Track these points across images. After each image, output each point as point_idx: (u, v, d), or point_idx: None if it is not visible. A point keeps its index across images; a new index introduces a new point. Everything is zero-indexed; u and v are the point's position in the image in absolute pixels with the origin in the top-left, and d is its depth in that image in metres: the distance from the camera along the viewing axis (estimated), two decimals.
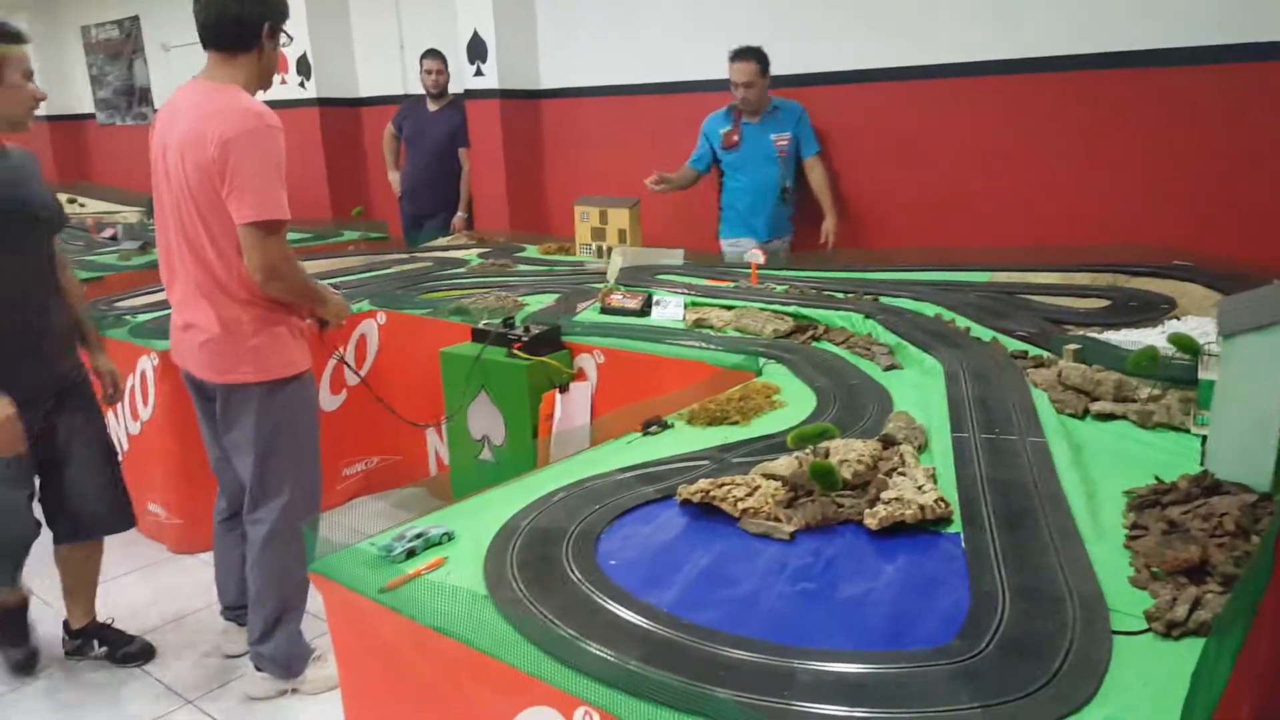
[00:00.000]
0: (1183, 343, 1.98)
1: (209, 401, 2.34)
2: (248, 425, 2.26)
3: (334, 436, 3.26)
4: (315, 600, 2.45)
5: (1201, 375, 1.71)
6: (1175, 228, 3.44)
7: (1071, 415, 1.98)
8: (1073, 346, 2.28)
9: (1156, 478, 1.58)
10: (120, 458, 2.63)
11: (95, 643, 2.62)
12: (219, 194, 2.07)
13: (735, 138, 4.21)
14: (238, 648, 2.61)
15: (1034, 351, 2.41)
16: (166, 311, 2.49)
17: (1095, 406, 1.99)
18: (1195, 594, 1.18)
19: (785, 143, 4.18)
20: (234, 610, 2.62)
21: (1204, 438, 1.61)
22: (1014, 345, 2.48)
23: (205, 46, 2.17)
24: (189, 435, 2.74)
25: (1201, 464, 1.60)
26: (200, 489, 2.90)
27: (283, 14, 2.20)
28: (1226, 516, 1.36)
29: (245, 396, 2.24)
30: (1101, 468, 1.70)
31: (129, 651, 2.62)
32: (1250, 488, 1.48)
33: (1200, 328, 2.37)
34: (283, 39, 2.23)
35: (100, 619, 2.66)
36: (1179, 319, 2.55)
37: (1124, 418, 1.95)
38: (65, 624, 2.64)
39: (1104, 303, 2.81)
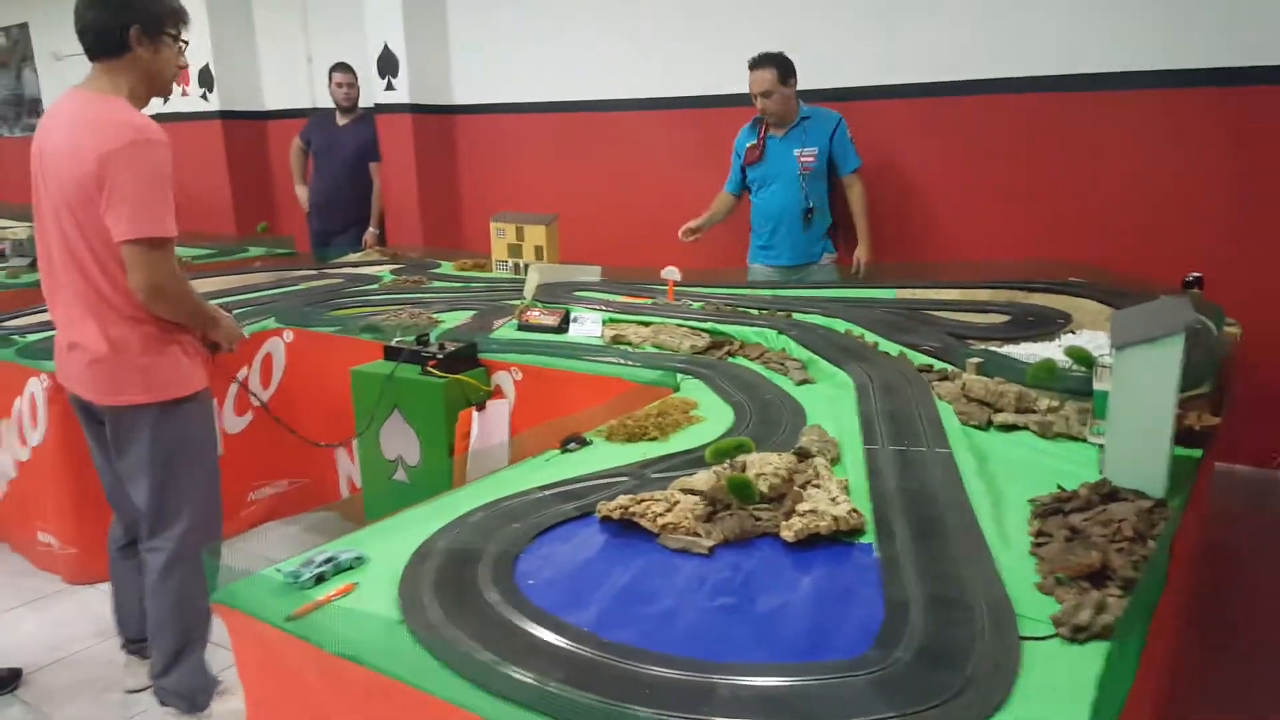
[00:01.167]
0: (1078, 355, 2.07)
1: (99, 424, 2.22)
2: (140, 449, 2.15)
3: (239, 460, 3.15)
4: (221, 630, 2.34)
5: (1096, 386, 1.79)
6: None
7: (976, 426, 2.04)
8: (975, 360, 2.36)
9: (1059, 486, 1.64)
10: None
11: None
12: (98, 209, 1.98)
13: (757, 152, 3.94)
14: (139, 682, 2.47)
15: (939, 365, 2.49)
16: (54, 331, 2.35)
17: (998, 418, 2.06)
18: (1098, 598, 1.22)
19: (810, 159, 3.86)
20: (135, 644, 2.49)
21: (1101, 446, 1.68)
22: (920, 359, 2.55)
23: (88, 58, 2.08)
24: (81, 460, 2.60)
25: (1100, 472, 1.67)
26: (95, 516, 2.74)
27: (156, 16, 2.08)
28: (1125, 523, 1.42)
29: (136, 418, 2.14)
30: (1006, 477, 1.75)
31: None
32: (1146, 494, 1.56)
33: (1094, 341, 2.49)
34: (172, 44, 2.12)
35: None
36: (1074, 333, 2.67)
37: (1025, 428, 2.02)
38: None
39: (1004, 318, 2.92)
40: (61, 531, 3.09)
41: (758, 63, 3.81)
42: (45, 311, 3.50)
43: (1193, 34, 3.47)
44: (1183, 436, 1.68)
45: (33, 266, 4.74)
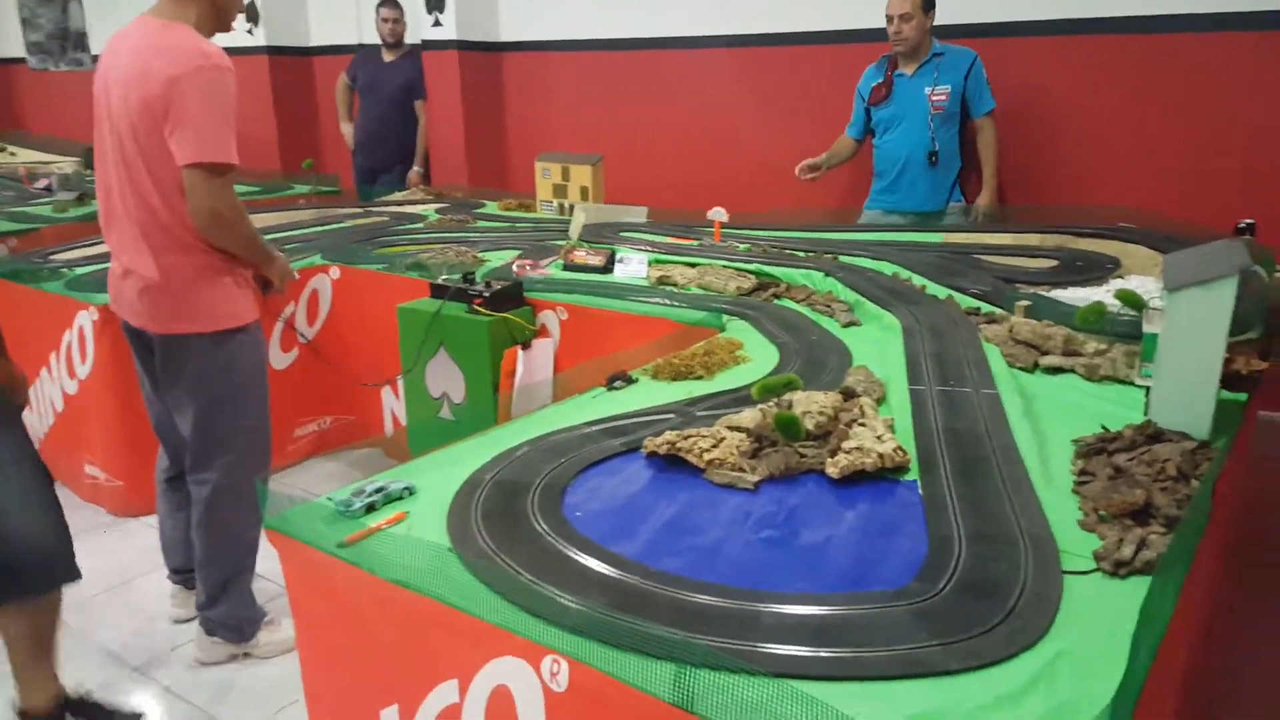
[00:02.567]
0: (1128, 298, 2.04)
1: (150, 353, 2.25)
2: (189, 379, 2.18)
3: (285, 396, 3.20)
4: (265, 562, 2.40)
5: (1146, 329, 1.77)
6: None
7: (1022, 369, 2.03)
8: (1024, 303, 2.34)
9: (1103, 427, 1.63)
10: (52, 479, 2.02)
11: None
12: (163, 132, 1.99)
13: (884, 91, 3.66)
14: (186, 612, 2.54)
15: (986, 308, 2.46)
16: (105, 265, 2.37)
17: (1045, 360, 2.04)
18: (1140, 535, 1.23)
19: (943, 97, 3.57)
20: (181, 574, 2.55)
21: (1148, 389, 1.67)
22: (968, 302, 2.53)
23: None
24: (130, 393, 2.65)
25: (1145, 414, 1.65)
26: (142, 449, 2.80)
27: None
28: (1169, 462, 1.41)
29: (186, 348, 2.16)
30: (1051, 418, 1.75)
31: None
32: (1190, 435, 1.55)
33: (1143, 286, 2.44)
34: None
35: (74, 693, 2.03)
36: (1123, 278, 2.63)
37: (1072, 371, 2.01)
38: (21, 714, 1.97)
39: (1052, 263, 2.87)
40: (109, 464, 3.16)
41: None
42: (93, 244, 3.60)
43: None
44: (1229, 380, 1.66)
45: (80, 200, 4.84)
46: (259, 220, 4.12)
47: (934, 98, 3.62)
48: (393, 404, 3.39)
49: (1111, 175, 3.72)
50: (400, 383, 3.09)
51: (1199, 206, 3.37)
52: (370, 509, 1.42)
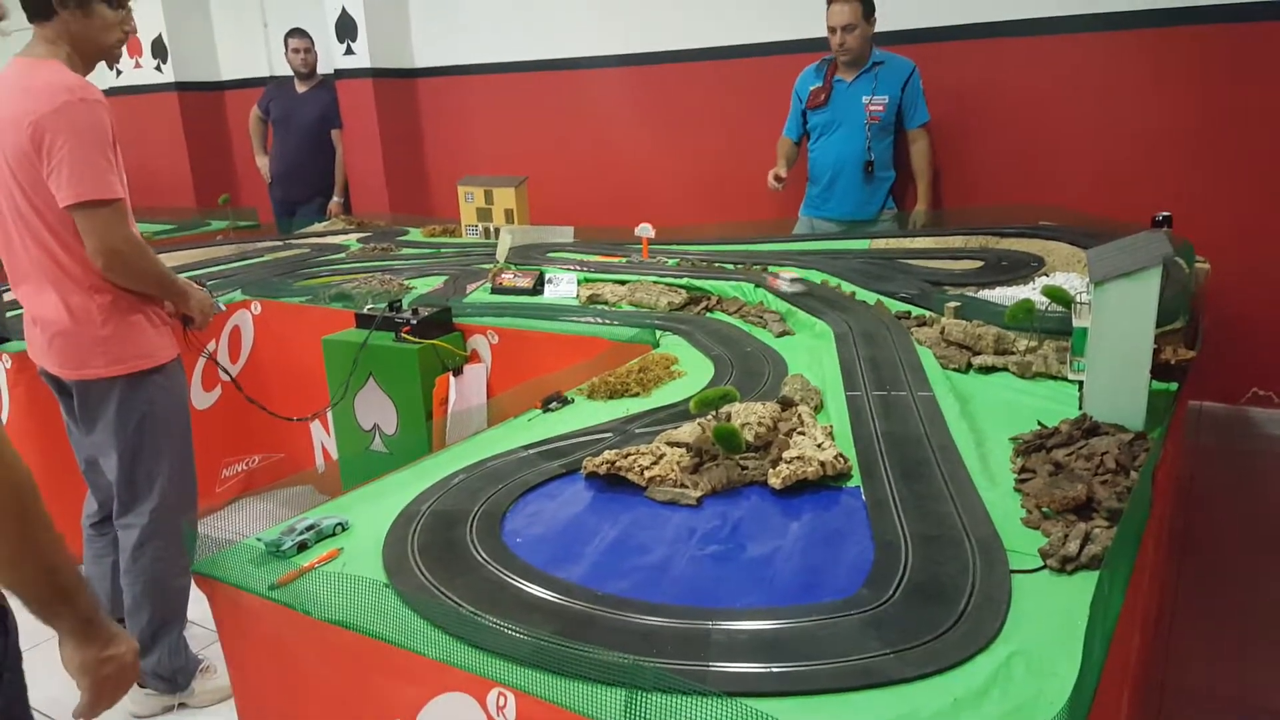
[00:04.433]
0: (1056, 294, 2.07)
1: (69, 398, 2.18)
2: (108, 423, 2.11)
3: (209, 436, 3.09)
4: (196, 607, 2.30)
5: (1075, 323, 1.79)
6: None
7: (955, 370, 2.05)
8: (953, 304, 2.36)
9: (1040, 423, 1.65)
10: None
11: None
12: (42, 176, 1.91)
13: (823, 96, 3.65)
14: None
15: (916, 311, 2.49)
16: (18, 311, 2.28)
17: (977, 360, 2.06)
18: (1085, 529, 1.23)
19: (880, 108, 3.58)
20: None
21: (1081, 383, 1.69)
22: (897, 306, 2.55)
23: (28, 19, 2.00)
24: (50, 441, 2.54)
25: (1080, 408, 1.68)
26: (65, 497, 2.63)
27: None
28: (1107, 455, 1.43)
29: (102, 391, 2.09)
30: (988, 418, 1.76)
31: None
32: (1126, 427, 1.57)
33: (1068, 282, 2.49)
34: (107, 8, 2.01)
35: None
36: (1048, 275, 2.68)
37: (1005, 369, 2.03)
38: None
39: (978, 264, 2.92)
40: None
41: None
42: (8, 290, 3.42)
43: None
44: (1159, 370, 1.70)
45: None
46: (177, 258, 4.02)
47: (871, 107, 3.62)
48: (323, 438, 3.28)
49: (1036, 174, 3.83)
50: (329, 416, 2.99)
51: (1111, 202, 3.49)
52: (302, 547, 1.37)
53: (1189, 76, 3.51)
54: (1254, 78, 3.39)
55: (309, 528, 1.39)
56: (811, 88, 3.76)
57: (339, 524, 1.42)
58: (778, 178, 3.72)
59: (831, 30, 3.58)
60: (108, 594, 2.38)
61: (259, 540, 1.37)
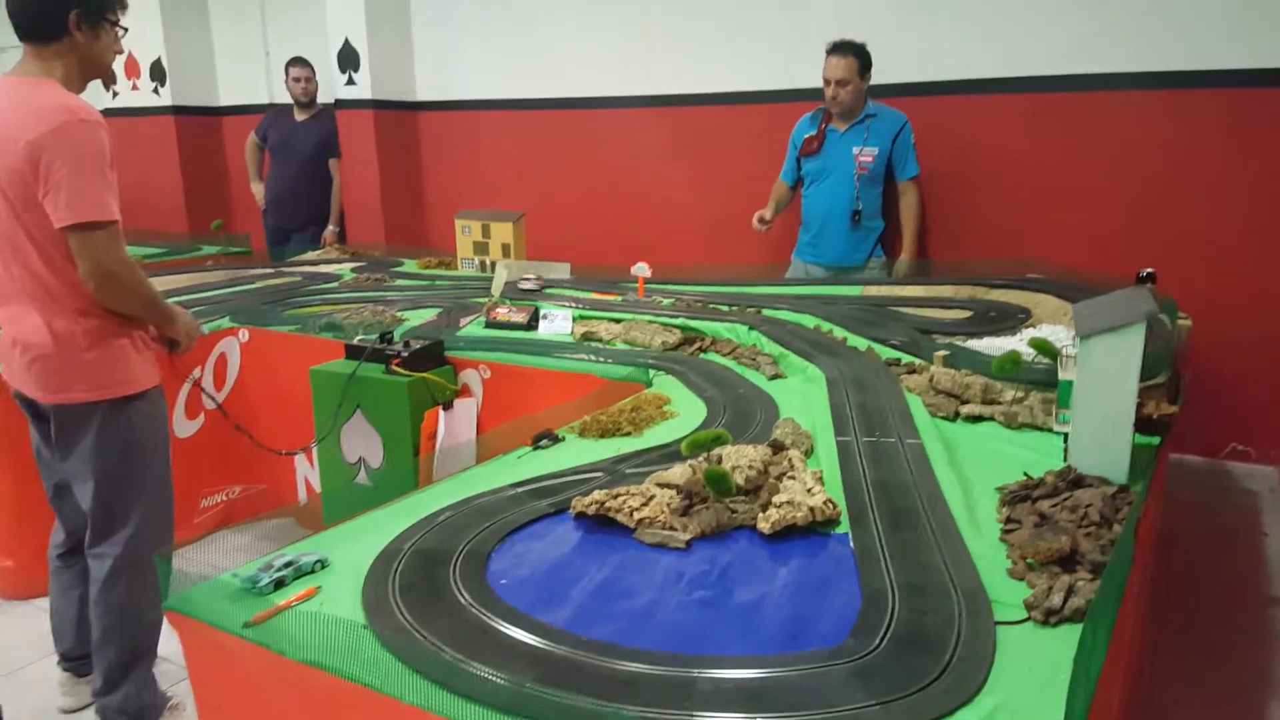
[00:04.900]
0: (1042, 347, 2.10)
1: (45, 423, 2.13)
2: (86, 449, 2.07)
3: (191, 465, 3.05)
4: (167, 644, 2.25)
5: (1061, 376, 1.82)
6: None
7: (944, 418, 2.06)
8: (942, 353, 2.38)
9: (1025, 474, 1.66)
10: None
11: None
12: (36, 198, 1.91)
13: (815, 144, 3.75)
14: (75, 701, 2.36)
15: (906, 359, 2.50)
16: None
17: (965, 409, 2.08)
18: (1068, 582, 1.23)
19: (869, 159, 3.67)
20: (71, 660, 2.37)
21: (1066, 435, 1.71)
22: (887, 353, 2.57)
23: (19, 39, 2.01)
24: (19, 468, 2.51)
25: (1065, 460, 1.69)
26: (33, 526, 2.61)
27: (98, 3, 2.02)
28: (1091, 507, 1.43)
29: (82, 417, 2.06)
30: (974, 466, 1.77)
31: None
32: (1109, 480, 1.58)
33: (1054, 334, 2.52)
34: (110, 29, 2.05)
35: None
36: (1035, 327, 2.71)
37: (992, 419, 2.04)
38: None
39: (966, 314, 2.95)
40: None
41: (840, 49, 3.61)
42: None
43: (1155, 37, 3.54)
44: (1142, 425, 1.71)
45: None
46: (166, 283, 4.01)
47: (861, 158, 3.70)
48: (306, 471, 3.25)
49: (1024, 228, 3.89)
50: (314, 449, 2.96)
51: (1096, 257, 3.54)
52: (279, 585, 1.34)
53: (1175, 138, 3.59)
54: (1239, 143, 3.47)
55: (287, 564, 1.37)
56: (806, 135, 3.86)
57: (318, 561, 1.40)
58: (762, 219, 3.81)
59: (826, 82, 3.68)
60: (73, 628, 2.31)
61: (235, 576, 1.34)
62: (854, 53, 3.62)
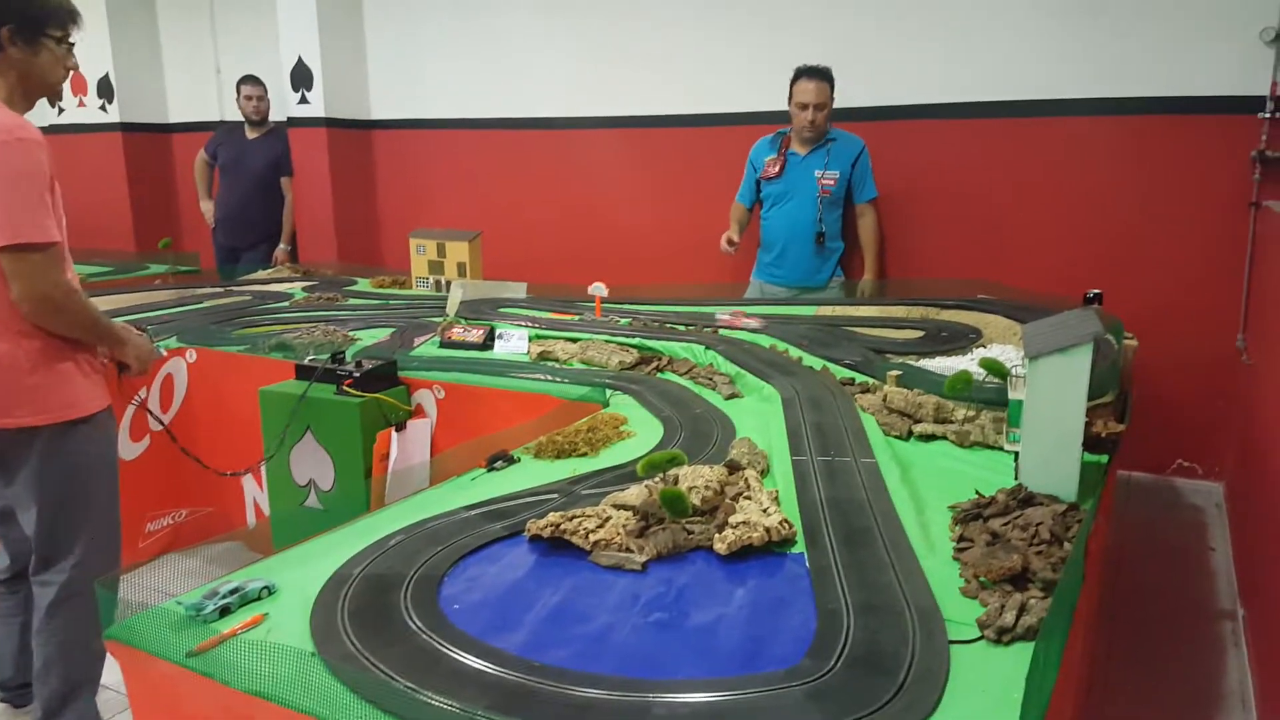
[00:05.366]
0: (992, 367, 2.13)
1: None
2: (30, 475, 2.01)
3: (136, 488, 2.95)
4: (109, 673, 2.18)
5: (1011, 396, 1.85)
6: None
7: (897, 437, 2.08)
8: (895, 373, 2.41)
9: (977, 492, 1.67)
10: None
11: None
12: None
13: (776, 168, 3.82)
14: None
15: (860, 378, 2.53)
16: None
17: (918, 428, 2.10)
18: (1020, 600, 1.25)
19: (831, 182, 3.76)
20: (8, 690, 2.29)
21: (1016, 454, 1.73)
22: (842, 373, 2.59)
23: None
24: None
25: (1015, 478, 1.71)
26: None
27: (34, 19, 1.97)
28: (1042, 525, 1.45)
29: (25, 442, 2.00)
30: (927, 485, 1.79)
31: None
32: (1059, 498, 1.60)
33: (1003, 354, 2.57)
34: (55, 46, 2.00)
35: None
36: (985, 347, 2.76)
37: (944, 438, 2.07)
38: None
39: (918, 334, 3.00)
40: None
41: (814, 73, 3.68)
42: None
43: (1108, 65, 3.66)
44: (1090, 443, 1.74)
45: None
46: (112, 302, 3.90)
47: (823, 181, 3.78)
48: (255, 493, 3.17)
49: (976, 249, 3.99)
50: (263, 470, 2.90)
51: (1044, 277, 3.63)
52: (225, 612, 1.30)
53: (1121, 162, 3.71)
54: (1183, 166, 3.60)
55: (233, 591, 1.33)
56: (766, 159, 3.91)
57: (265, 587, 1.36)
58: (730, 241, 3.86)
59: (803, 106, 3.74)
60: (13, 657, 2.24)
61: (179, 603, 1.30)
62: (827, 77, 3.71)
